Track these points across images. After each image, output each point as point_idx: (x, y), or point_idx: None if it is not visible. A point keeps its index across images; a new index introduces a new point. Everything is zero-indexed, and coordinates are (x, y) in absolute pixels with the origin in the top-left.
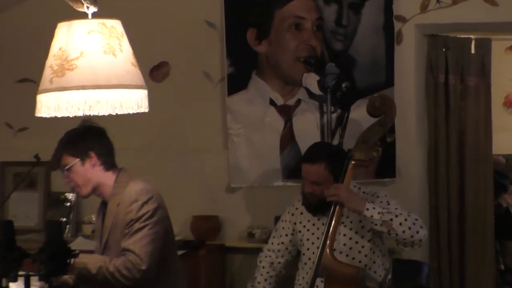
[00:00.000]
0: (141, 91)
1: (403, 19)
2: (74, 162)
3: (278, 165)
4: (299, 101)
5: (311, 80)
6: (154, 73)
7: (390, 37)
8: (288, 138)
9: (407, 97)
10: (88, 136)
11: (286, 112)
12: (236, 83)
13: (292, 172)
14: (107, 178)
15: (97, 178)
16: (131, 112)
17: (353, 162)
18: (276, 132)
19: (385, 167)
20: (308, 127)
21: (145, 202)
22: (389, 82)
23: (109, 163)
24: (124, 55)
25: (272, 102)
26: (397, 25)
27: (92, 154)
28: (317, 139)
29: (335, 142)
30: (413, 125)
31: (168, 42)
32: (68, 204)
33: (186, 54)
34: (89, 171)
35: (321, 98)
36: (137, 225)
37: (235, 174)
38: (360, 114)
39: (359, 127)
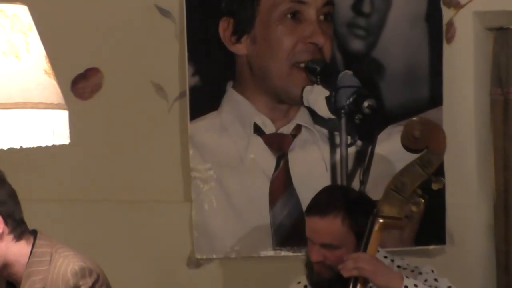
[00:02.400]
0: (58, 113)
1: (456, 4)
2: None
3: (268, 226)
4: (298, 128)
5: (316, 97)
6: (79, 85)
7: (436, 31)
8: (282, 185)
9: (463, 121)
10: None
11: (279, 145)
12: (203, 101)
13: (288, 235)
14: (19, 253)
15: (5, 255)
16: (43, 145)
17: (381, 221)
18: (264, 175)
19: (430, 228)
20: (313, 168)
21: None
22: (435, 99)
23: (20, 227)
24: (32, 58)
25: (257, 130)
26: (447, 13)
27: None
28: (326, 184)
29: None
30: (472, 165)
31: (99, 39)
32: None
33: (127, 57)
34: None
35: (332, 123)
36: None
37: (202, 239)
38: (391, 148)
39: (389, 168)
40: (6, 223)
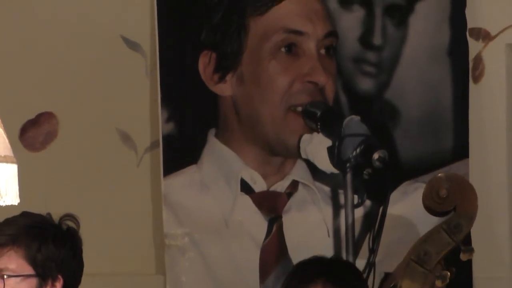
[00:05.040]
0: (6, 168)
1: (485, 36)
2: (27, 273)
3: None
4: (294, 186)
5: (316, 148)
6: (29, 134)
7: (461, 68)
8: (275, 253)
9: (494, 178)
10: (66, 248)
11: (272, 206)
12: (180, 152)
13: None
14: None
15: None
16: None
17: None
18: (253, 242)
19: None
20: (312, 233)
21: None
22: (460, 150)
23: None
24: None
25: (245, 187)
26: (474, 46)
27: (61, 280)
28: (328, 253)
29: (362, 260)
30: (504, 230)
31: (53, 77)
32: None
33: (87, 100)
34: None
35: (336, 180)
36: None
37: None
38: (406, 210)
39: (405, 234)
40: None
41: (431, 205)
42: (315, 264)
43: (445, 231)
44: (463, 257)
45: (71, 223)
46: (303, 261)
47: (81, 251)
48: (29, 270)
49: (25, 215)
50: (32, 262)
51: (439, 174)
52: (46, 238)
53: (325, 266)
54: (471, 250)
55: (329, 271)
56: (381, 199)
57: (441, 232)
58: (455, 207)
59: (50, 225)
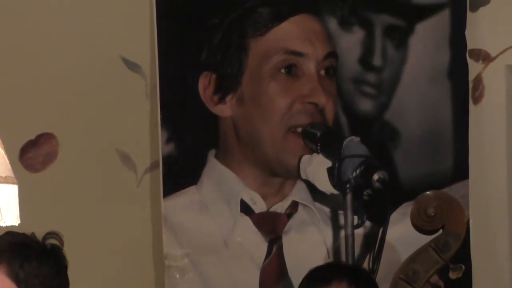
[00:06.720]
0: (6, 188)
1: (485, 57)
2: None
3: None
4: (294, 206)
5: (316, 168)
6: (29, 154)
7: (461, 89)
8: (275, 274)
9: (494, 199)
10: (49, 265)
11: (272, 227)
12: (180, 173)
13: None
14: None
15: None
16: None
17: None
18: (253, 263)
19: None
20: (312, 254)
21: None
22: (460, 171)
23: None
24: None
25: (245, 208)
26: (474, 67)
27: None
28: None
29: None
30: (505, 251)
31: (53, 98)
32: None
33: (87, 121)
34: None
35: (335, 200)
36: None
37: None
38: (406, 231)
39: (404, 255)
40: None
41: (419, 224)
42: (336, 266)
43: (434, 249)
44: (452, 275)
45: (54, 241)
46: (321, 265)
47: (65, 268)
48: (12, 287)
49: (8, 233)
50: (15, 278)
51: (427, 193)
52: (28, 255)
53: (345, 267)
54: (459, 268)
55: (349, 271)
56: (381, 220)
57: (429, 250)
58: (443, 225)
59: (33, 242)
